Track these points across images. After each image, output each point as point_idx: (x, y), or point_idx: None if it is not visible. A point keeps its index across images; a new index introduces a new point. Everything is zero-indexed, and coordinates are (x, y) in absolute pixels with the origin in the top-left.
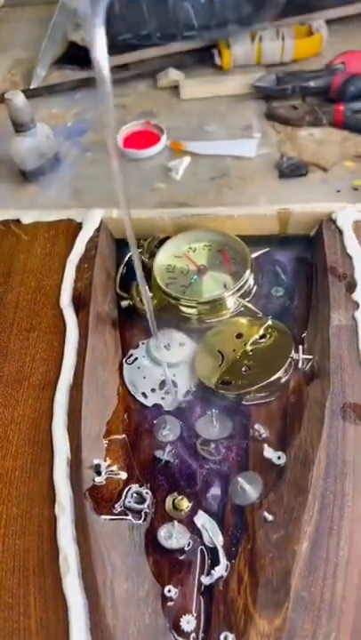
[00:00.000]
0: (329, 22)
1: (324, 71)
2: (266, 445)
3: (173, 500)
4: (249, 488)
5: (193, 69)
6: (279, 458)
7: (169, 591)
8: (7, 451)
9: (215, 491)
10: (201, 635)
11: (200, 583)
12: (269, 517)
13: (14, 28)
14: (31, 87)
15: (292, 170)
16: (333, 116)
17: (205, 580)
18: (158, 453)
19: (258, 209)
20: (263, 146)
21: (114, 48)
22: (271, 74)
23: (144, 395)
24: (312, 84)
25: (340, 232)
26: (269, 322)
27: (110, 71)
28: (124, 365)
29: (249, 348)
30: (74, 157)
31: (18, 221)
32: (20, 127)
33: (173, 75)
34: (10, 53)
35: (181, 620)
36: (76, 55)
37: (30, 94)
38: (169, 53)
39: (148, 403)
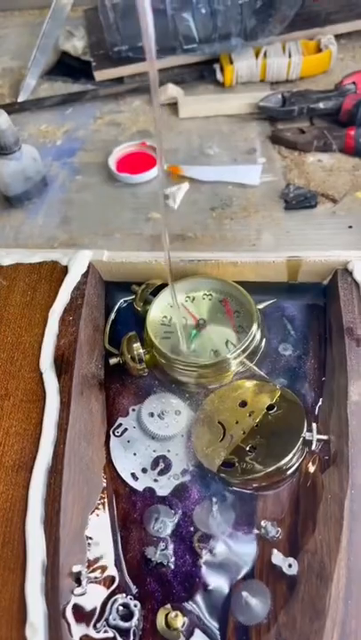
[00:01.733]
0: (338, 37)
1: (334, 92)
2: (275, 550)
3: (166, 616)
4: (255, 603)
5: (193, 85)
6: (290, 566)
7: None
8: None
9: (215, 604)
10: None
11: None
12: None
13: (3, 34)
14: (19, 100)
15: (299, 201)
16: (344, 142)
17: None
18: (149, 553)
19: (265, 256)
20: (268, 172)
21: (108, 60)
22: (277, 93)
23: (134, 476)
24: (321, 105)
25: (358, 286)
26: (279, 391)
27: (104, 85)
28: (112, 437)
29: (255, 422)
30: (63, 180)
31: None
32: (3, 150)
33: (172, 91)
34: None
35: None
36: (69, 65)
37: (18, 108)
38: (167, 67)
39: (139, 486)
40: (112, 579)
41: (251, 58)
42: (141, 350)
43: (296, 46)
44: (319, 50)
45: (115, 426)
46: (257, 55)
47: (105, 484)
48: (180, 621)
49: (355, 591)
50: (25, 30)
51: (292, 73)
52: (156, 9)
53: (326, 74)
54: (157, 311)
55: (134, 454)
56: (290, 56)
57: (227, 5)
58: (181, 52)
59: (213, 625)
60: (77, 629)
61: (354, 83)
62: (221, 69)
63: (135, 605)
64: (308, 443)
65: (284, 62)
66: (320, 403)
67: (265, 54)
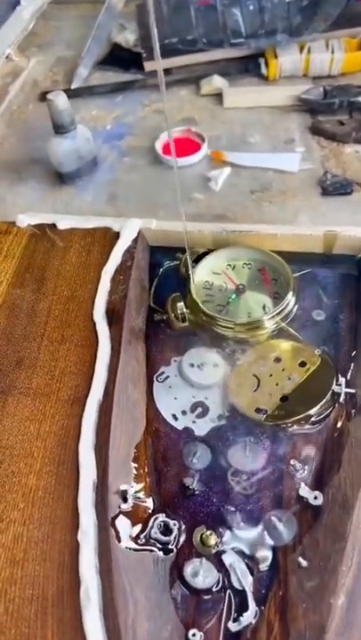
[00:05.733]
0: None
1: None
2: (302, 483)
3: (201, 535)
4: (282, 528)
5: (238, 78)
6: (316, 498)
7: (193, 635)
8: (31, 468)
9: (246, 527)
10: None
11: (227, 629)
12: (304, 563)
13: (59, 25)
14: (72, 87)
15: (336, 188)
16: None
17: (233, 627)
18: (187, 481)
19: (302, 229)
20: (306, 161)
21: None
22: (318, 87)
23: (174, 417)
24: None
25: None
26: (316, 352)
27: (153, 75)
28: (155, 383)
29: (288, 376)
30: (111, 162)
31: (53, 226)
32: (60, 128)
33: (218, 82)
34: (53, 50)
35: None
36: (120, 57)
37: (71, 94)
38: (214, 60)
39: (179, 426)
40: (153, 502)
41: (295, 53)
42: (185, 310)
43: (339, 43)
44: None
45: (158, 373)
46: (301, 50)
47: (148, 423)
48: (213, 540)
49: None
50: (79, 22)
51: (334, 69)
52: (207, 4)
53: None
54: (201, 274)
55: (175, 398)
56: (333, 52)
57: (274, 3)
58: (228, 46)
59: (242, 546)
60: (123, 538)
61: None
62: (266, 63)
63: (174, 524)
64: (336, 395)
65: (326, 58)
66: (352, 362)
67: (309, 50)
